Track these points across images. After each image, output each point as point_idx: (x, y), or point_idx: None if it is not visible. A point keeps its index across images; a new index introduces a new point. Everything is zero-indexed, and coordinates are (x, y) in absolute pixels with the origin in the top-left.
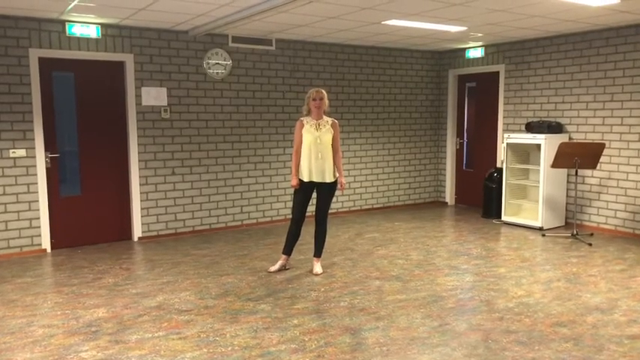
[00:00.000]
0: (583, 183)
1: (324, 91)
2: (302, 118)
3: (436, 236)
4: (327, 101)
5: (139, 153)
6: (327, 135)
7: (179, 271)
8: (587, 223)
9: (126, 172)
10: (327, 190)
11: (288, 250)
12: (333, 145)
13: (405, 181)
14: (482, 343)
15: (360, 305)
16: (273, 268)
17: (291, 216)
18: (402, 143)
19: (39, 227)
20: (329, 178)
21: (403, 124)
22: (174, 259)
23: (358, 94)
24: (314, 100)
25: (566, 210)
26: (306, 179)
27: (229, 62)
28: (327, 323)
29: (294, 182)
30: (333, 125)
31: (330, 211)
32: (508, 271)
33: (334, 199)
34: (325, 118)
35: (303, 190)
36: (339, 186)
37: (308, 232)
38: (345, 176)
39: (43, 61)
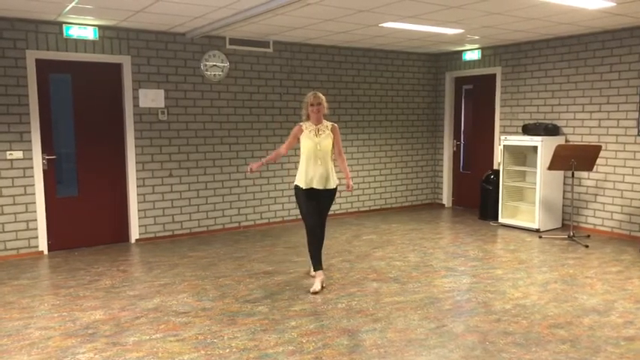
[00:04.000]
0: (579, 185)
1: (321, 95)
2: (301, 123)
3: (433, 238)
4: (325, 104)
5: (136, 155)
6: (326, 140)
7: (176, 273)
8: (583, 225)
9: (123, 173)
10: (328, 197)
11: (317, 263)
12: (335, 149)
13: (402, 183)
14: (480, 344)
15: (358, 307)
16: (315, 289)
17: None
18: (399, 145)
19: (36, 229)
20: (331, 185)
21: (400, 126)
22: (171, 261)
23: (355, 97)
24: (312, 105)
25: (563, 212)
26: (304, 186)
27: (227, 64)
28: (325, 325)
29: (253, 166)
30: (333, 129)
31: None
32: (505, 272)
33: None
34: (325, 122)
35: (306, 197)
36: (346, 187)
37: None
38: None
39: (40, 63)
